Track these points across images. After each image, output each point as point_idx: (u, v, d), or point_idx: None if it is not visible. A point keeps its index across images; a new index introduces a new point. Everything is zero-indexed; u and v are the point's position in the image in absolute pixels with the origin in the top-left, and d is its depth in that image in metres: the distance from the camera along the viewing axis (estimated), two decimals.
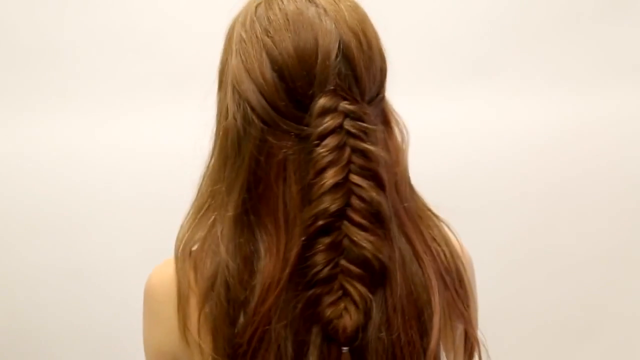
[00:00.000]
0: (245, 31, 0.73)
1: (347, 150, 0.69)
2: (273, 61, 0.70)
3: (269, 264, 0.69)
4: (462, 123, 1.60)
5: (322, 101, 0.69)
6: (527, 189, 1.64)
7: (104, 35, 1.55)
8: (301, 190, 0.70)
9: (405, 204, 0.75)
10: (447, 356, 0.79)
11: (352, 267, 0.68)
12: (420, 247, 0.75)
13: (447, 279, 0.77)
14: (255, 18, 0.73)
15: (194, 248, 0.74)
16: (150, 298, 0.77)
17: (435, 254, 0.77)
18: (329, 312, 0.68)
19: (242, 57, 0.72)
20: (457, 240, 0.82)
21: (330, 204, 0.68)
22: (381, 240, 0.70)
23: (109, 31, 1.55)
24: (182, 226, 0.77)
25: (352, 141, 0.69)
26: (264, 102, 0.71)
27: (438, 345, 0.73)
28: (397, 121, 0.78)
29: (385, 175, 0.71)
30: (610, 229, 1.67)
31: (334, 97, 0.70)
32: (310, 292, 0.69)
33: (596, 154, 1.64)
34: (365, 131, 0.70)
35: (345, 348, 0.69)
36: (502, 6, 1.59)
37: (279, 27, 0.71)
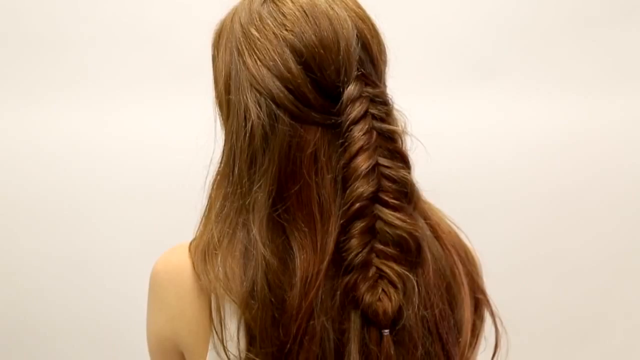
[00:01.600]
0: (257, 29, 0.73)
1: (374, 134, 0.71)
2: (298, 54, 0.71)
3: (305, 260, 0.69)
4: (467, 124, 1.61)
5: (351, 88, 0.71)
6: (531, 192, 1.64)
7: (113, 27, 1.53)
8: (333, 179, 0.71)
9: None
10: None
11: (387, 249, 0.70)
12: (437, 225, 0.77)
13: (461, 253, 0.79)
14: (265, 15, 0.73)
15: (216, 251, 0.72)
16: (155, 283, 0.77)
17: (446, 231, 0.79)
18: (367, 296, 0.69)
19: (259, 55, 0.72)
20: (452, 223, 0.84)
21: (366, 188, 0.69)
22: (414, 219, 0.71)
23: (118, 22, 1.54)
24: (198, 230, 0.76)
25: (377, 124, 0.71)
26: (291, 96, 0.71)
27: (470, 317, 0.75)
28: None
29: (408, 155, 0.73)
30: (615, 232, 1.66)
31: (359, 84, 0.71)
32: (347, 278, 0.69)
33: (601, 158, 1.64)
34: (387, 113, 0.72)
35: (386, 331, 0.70)
36: (510, 8, 1.60)
37: (297, 20, 0.72)
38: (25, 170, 1.56)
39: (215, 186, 0.77)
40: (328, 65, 0.71)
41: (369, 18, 0.76)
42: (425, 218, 0.76)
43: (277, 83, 0.71)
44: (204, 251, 0.72)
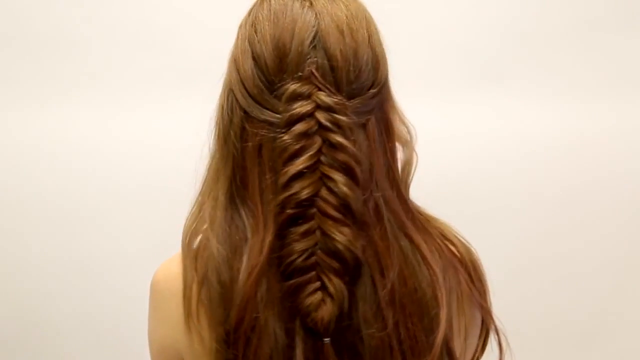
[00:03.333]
0: (239, 31, 0.77)
1: (318, 140, 0.69)
2: (253, 50, 0.73)
3: (254, 247, 0.71)
4: (470, 128, 1.61)
5: (292, 87, 0.70)
6: (533, 196, 1.64)
7: (118, 30, 1.55)
8: (274, 178, 0.71)
9: (404, 205, 0.75)
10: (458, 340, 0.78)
11: (328, 259, 0.68)
12: (424, 245, 0.74)
13: (461, 271, 0.76)
14: (248, 18, 0.77)
15: (197, 240, 0.75)
16: (155, 293, 0.78)
17: (444, 249, 0.76)
18: (307, 302, 0.68)
19: (233, 52, 0.76)
20: (462, 238, 0.81)
21: (298, 190, 0.68)
22: (354, 233, 0.69)
23: (123, 25, 1.55)
24: (186, 220, 0.78)
25: (323, 132, 0.69)
26: (244, 90, 0.73)
27: (445, 339, 0.73)
28: (402, 122, 0.78)
29: (359, 171, 0.70)
30: (616, 236, 1.66)
31: (306, 85, 0.70)
32: (290, 282, 0.69)
33: (603, 162, 1.65)
34: (338, 124, 0.70)
35: (326, 340, 0.69)
36: (514, 14, 1.60)
37: (263, 19, 0.74)
38: (30, 172, 1.58)
39: (205, 176, 0.80)
40: (274, 62, 0.71)
41: (349, 26, 0.73)
42: (411, 239, 0.74)
43: (237, 77, 0.74)
44: (190, 238, 0.75)
